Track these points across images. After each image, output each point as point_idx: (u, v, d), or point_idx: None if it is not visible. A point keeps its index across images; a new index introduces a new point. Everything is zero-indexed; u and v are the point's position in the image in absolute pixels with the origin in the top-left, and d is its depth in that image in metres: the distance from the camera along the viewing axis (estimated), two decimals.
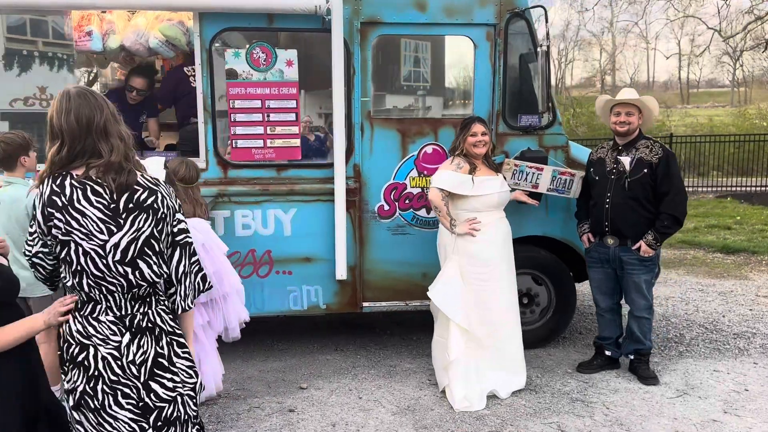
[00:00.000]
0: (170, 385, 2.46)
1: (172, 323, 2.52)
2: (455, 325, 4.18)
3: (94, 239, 2.23)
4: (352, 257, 4.83)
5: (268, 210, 4.72)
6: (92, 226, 2.23)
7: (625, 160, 4.35)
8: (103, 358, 2.32)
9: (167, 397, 2.45)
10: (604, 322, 4.71)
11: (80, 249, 2.22)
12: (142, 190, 2.33)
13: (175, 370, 2.49)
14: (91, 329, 2.32)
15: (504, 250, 4.36)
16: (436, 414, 4.04)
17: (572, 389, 4.40)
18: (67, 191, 2.21)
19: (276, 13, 4.48)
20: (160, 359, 2.44)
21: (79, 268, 2.24)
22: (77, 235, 2.21)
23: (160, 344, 2.46)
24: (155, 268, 2.38)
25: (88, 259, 2.23)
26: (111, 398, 2.35)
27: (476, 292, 4.25)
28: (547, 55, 4.71)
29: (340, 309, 4.95)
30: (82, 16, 4.57)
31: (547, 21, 4.78)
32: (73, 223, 2.20)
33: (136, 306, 2.38)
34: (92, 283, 2.26)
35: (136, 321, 2.38)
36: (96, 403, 2.34)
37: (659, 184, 4.28)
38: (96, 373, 2.32)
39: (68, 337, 2.34)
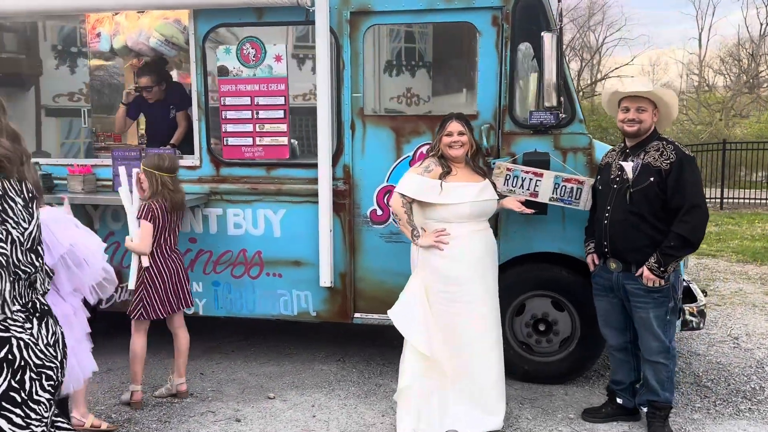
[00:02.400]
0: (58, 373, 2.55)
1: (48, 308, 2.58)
2: (410, 348, 3.76)
3: (20, 227, 2.31)
4: (342, 264, 4.58)
5: (258, 210, 4.66)
6: (20, 215, 2.32)
7: (628, 167, 3.57)
8: (27, 345, 2.38)
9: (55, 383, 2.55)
10: (615, 363, 3.94)
11: (9, 237, 2.28)
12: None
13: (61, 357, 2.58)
14: (8, 321, 2.37)
15: (479, 268, 3.81)
16: None
17: None
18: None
19: (263, 8, 4.38)
20: (63, 338, 2.55)
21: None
22: (10, 224, 2.28)
23: (58, 324, 2.55)
24: (44, 253, 2.47)
25: (14, 247, 2.29)
26: (37, 384, 2.41)
27: (442, 313, 3.77)
28: (560, 40, 4.03)
29: (330, 318, 4.72)
30: (97, 19, 4.91)
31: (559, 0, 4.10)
32: (9, 211, 2.28)
33: (31, 293, 2.45)
34: (7, 273, 2.32)
35: (37, 306, 2.45)
36: (23, 394, 2.38)
37: (670, 197, 3.45)
38: (23, 363, 2.37)
39: None
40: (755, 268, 8.31)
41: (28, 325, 2.38)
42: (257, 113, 4.57)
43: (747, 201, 15.18)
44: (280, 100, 4.54)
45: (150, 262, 4.09)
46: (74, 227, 3.28)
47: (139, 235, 4.06)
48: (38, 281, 2.48)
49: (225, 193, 4.66)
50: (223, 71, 4.57)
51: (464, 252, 3.77)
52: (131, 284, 4.14)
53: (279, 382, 4.63)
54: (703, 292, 5.02)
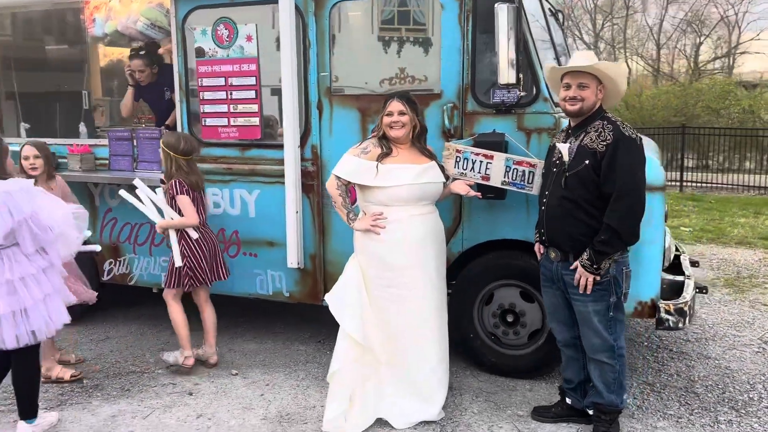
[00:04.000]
0: None
1: None
2: (343, 333, 3.73)
3: None
4: (312, 245, 4.62)
5: (234, 190, 4.79)
6: None
7: (563, 148, 3.32)
8: None
9: None
10: (564, 360, 3.70)
11: None
12: None
13: None
14: None
15: (420, 254, 3.71)
16: (306, 429, 3.71)
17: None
18: None
19: None
20: None
21: None
22: None
23: None
24: None
25: None
26: None
27: (378, 299, 3.72)
28: (519, 12, 3.77)
29: (302, 299, 4.77)
30: (95, 6, 5.18)
31: None
32: None
33: None
34: None
35: None
36: None
37: (602, 182, 3.17)
38: None
39: None
40: None
41: None
42: (231, 94, 4.67)
43: None
44: (251, 81, 4.60)
45: (188, 236, 4.37)
46: (42, 196, 3.55)
47: (186, 212, 4.32)
48: None
49: (205, 173, 4.77)
50: (200, 52, 4.70)
51: (402, 237, 3.68)
52: (177, 261, 4.36)
53: (252, 359, 4.77)
54: (704, 289, 4.58)
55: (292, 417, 3.85)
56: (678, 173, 13.78)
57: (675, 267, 4.65)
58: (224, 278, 4.61)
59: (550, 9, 5.11)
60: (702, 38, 29.59)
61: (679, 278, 4.31)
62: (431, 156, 3.80)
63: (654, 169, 3.77)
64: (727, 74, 28.95)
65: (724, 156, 16.22)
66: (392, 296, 3.71)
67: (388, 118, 3.67)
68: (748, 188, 13.20)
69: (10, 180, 3.52)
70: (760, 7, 30.61)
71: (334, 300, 3.80)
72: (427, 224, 3.74)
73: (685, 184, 13.54)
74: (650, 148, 4.42)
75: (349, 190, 3.84)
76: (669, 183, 13.58)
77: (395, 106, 3.67)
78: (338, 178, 3.72)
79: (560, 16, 5.62)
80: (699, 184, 13.66)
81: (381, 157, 3.67)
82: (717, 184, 13.63)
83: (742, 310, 5.79)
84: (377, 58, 4.57)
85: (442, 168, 3.84)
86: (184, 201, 4.31)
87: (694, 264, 5.04)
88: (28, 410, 3.68)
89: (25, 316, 3.51)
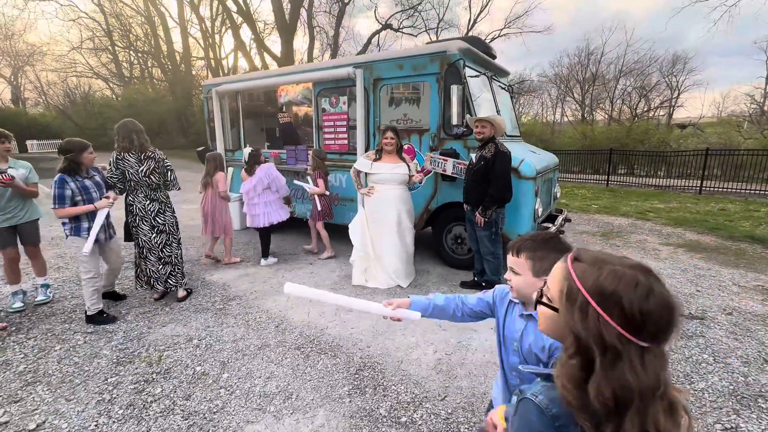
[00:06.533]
0: (162, 221, 3.36)
1: (165, 199, 3.39)
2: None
3: (133, 169, 3.24)
4: None
5: (337, 174, 5.33)
6: (134, 165, 3.23)
7: (474, 156, 3.59)
8: (138, 209, 3.29)
9: (160, 228, 3.35)
10: (475, 259, 4.00)
11: (127, 173, 3.24)
12: (150, 153, 3.28)
13: (164, 217, 3.38)
14: (136, 199, 3.29)
15: (391, 207, 3.93)
16: (350, 279, 4.27)
17: (424, 290, 4.00)
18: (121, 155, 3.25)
19: (338, 79, 4.98)
20: (159, 211, 3.35)
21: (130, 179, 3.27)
22: (127, 169, 3.23)
23: (161, 205, 3.35)
24: (158, 177, 3.31)
25: (132, 176, 3.23)
26: (144, 224, 3.31)
27: (372, 227, 4.07)
28: (464, 90, 4.00)
29: None
30: (281, 88, 5.90)
31: (464, 68, 4.02)
32: (126, 164, 3.21)
33: (152, 193, 3.34)
34: (132, 185, 3.29)
35: (150, 196, 3.30)
36: (140, 231, 3.33)
37: (488, 173, 3.43)
38: (138, 215, 3.30)
39: (129, 206, 3.35)
40: (673, 229, 6.85)
41: (145, 202, 3.17)
42: (336, 128, 5.23)
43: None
44: (344, 123, 5.13)
45: (325, 196, 4.94)
46: (276, 170, 4.46)
47: (320, 186, 4.84)
48: (158, 189, 3.21)
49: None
50: (323, 110, 5.30)
51: (382, 198, 3.97)
52: (318, 208, 4.91)
53: (341, 252, 5.29)
54: (562, 231, 4.62)
55: (348, 275, 4.41)
56: (606, 176, 12.79)
57: (553, 219, 4.73)
58: (330, 219, 5.04)
59: (500, 85, 5.19)
60: (640, 98, 26.17)
61: (548, 225, 4.41)
62: (404, 160, 4.01)
63: (528, 168, 3.93)
64: (666, 119, 25.49)
65: (641, 167, 14.67)
66: (376, 224, 4.03)
67: (384, 140, 3.94)
68: (650, 186, 11.98)
69: (267, 163, 4.38)
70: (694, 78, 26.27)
71: (351, 229, 4.13)
72: (394, 194, 3.95)
73: (610, 182, 12.53)
74: (542, 159, 4.49)
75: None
76: (599, 181, 12.66)
77: (388, 134, 3.92)
78: (354, 168, 4.12)
79: (510, 89, 5.64)
80: (620, 183, 12.56)
81: (375, 159, 4.00)
82: (634, 184, 12.45)
83: (602, 245, 5.65)
84: (400, 110, 4.94)
85: (409, 167, 4.00)
86: (320, 182, 4.82)
87: (567, 220, 5.03)
88: (265, 253, 4.55)
89: (268, 215, 4.38)
